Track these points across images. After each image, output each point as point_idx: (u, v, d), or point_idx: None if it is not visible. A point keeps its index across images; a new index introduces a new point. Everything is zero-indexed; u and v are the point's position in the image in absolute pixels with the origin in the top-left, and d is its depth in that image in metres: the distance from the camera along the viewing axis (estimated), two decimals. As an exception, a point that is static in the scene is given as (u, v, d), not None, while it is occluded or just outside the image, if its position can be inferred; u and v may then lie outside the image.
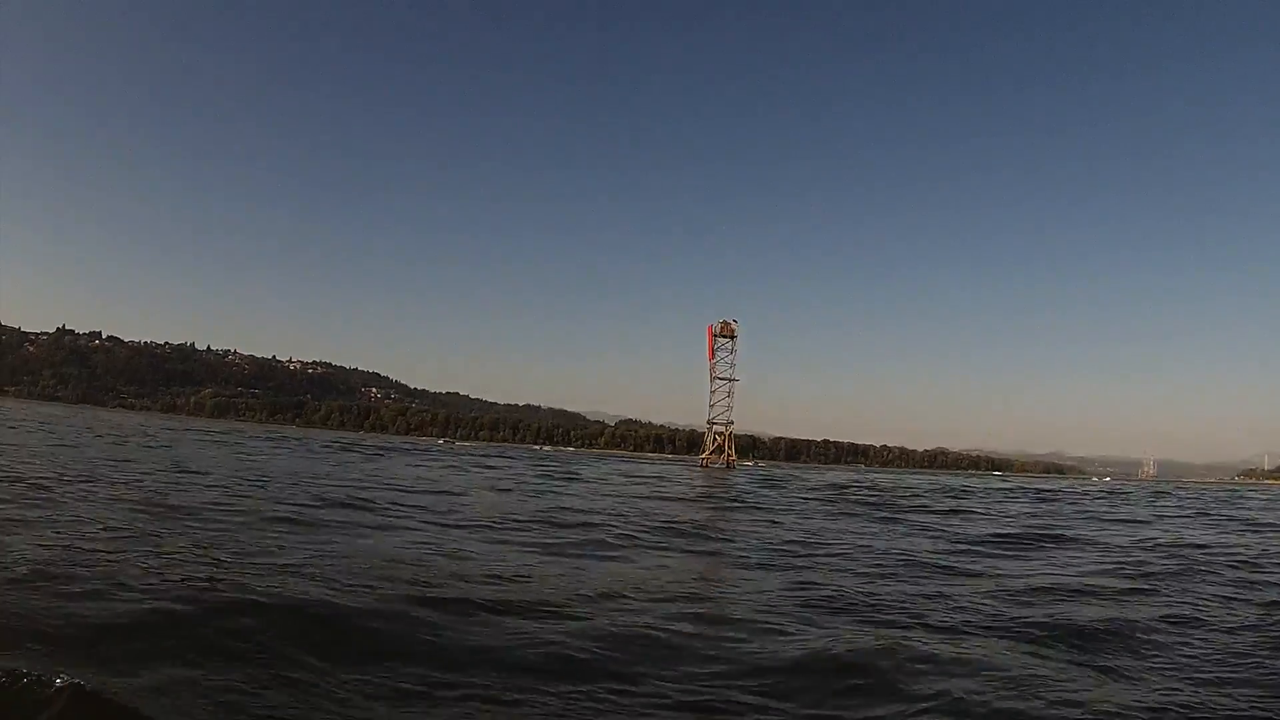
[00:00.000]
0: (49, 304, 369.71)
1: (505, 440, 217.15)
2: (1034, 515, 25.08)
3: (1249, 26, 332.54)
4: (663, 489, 31.82)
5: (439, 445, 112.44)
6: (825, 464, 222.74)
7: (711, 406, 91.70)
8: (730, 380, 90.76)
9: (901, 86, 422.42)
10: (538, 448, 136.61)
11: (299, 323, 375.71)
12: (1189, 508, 33.35)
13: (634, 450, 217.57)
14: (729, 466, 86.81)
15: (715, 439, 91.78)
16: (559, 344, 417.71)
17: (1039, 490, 46.77)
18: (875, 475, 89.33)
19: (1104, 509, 29.79)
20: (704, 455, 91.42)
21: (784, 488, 37.84)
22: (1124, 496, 44.25)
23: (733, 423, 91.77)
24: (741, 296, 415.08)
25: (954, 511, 25.09)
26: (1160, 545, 16.59)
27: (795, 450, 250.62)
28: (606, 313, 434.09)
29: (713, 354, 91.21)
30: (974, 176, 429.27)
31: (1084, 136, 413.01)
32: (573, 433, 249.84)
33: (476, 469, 38.24)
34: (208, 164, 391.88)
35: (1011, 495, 39.27)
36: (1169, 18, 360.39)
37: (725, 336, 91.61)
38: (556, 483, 30.87)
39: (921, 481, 63.20)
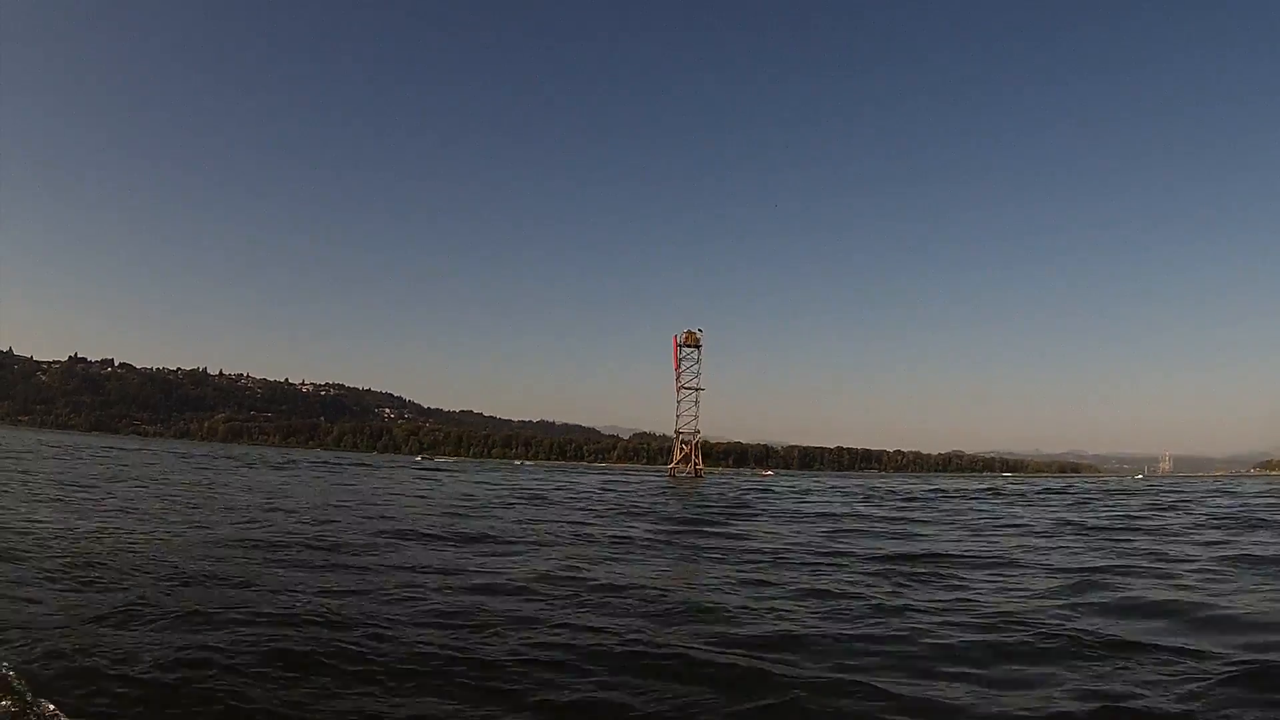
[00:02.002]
0: (61, 332, 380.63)
1: (518, 456, 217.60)
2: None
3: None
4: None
5: (418, 460, 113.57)
6: (838, 471, 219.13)
7: (678, 416, 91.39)
8: (696, 389, 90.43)
9: (904, 89, 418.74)
10: (517, 463, 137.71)
11: (312, 345, 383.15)
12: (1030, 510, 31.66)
13: (647, 463, 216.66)
14: (697, 475, 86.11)
15: (682, 448, 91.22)
16: (575, 359, 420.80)
17: (978, 490, 45.05)
18: (847, 480, 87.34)
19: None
20: (671, 465, 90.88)
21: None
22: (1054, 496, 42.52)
23: (699, 432, 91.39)
24: (753, 304, 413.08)
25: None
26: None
27: (809, 458, 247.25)
28: (624, 325, 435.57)
29: (678, 364, 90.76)
30: (985, 176, 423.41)
31: (1088, 134, 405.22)
32: (585, 447, 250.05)
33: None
34: (216, 190, 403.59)
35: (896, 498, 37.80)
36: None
37: (690, 346, 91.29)
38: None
39: (873, 485, 61.73)
